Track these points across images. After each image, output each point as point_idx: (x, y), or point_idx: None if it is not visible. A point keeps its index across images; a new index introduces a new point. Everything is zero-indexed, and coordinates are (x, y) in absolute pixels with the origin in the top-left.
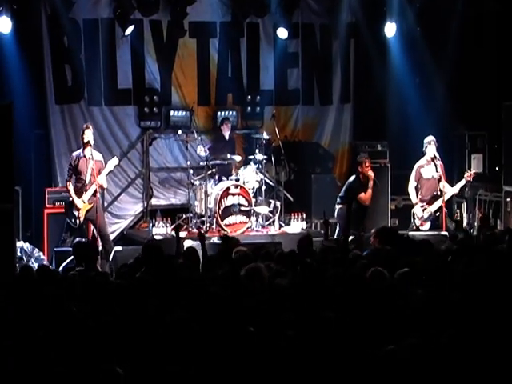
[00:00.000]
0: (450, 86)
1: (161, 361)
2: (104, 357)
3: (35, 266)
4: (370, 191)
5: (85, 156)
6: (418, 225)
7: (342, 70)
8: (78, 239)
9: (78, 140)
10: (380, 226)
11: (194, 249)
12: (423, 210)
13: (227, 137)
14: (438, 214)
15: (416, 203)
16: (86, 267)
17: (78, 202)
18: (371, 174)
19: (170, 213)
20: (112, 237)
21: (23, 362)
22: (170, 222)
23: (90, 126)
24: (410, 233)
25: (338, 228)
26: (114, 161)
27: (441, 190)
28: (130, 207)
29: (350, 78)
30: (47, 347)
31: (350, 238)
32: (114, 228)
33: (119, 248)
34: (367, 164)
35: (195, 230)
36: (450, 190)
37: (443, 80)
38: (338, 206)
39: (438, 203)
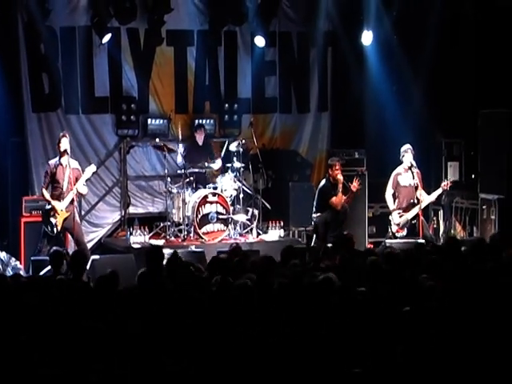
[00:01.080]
0: (427, 93)
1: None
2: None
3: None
4: (340, 195)
5: (61, 164)
6: (394, 231)
7: (320, 78)
8: (54, 248)
9: (55, 148)
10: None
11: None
12: (400, 217)
13: (201, 143)
14: (414, 221)
15: (393, 210)
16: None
17: (56, 204)
18: (340, 177)
19: (148, 221)
20: (89, 245)
21: (6, 366)
22: (147, 230)
23: (67, 135)
24: (387, 240)
25: (314, 236)
26: (92, 168)
27: (417, 198)
28: (108, 215)
29: (328, 85)
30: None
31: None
32: (92, 236)
33: (97, 257)
34: (337, 167)
35: (173, 238)
36: (426, 198)
37: (420, 88)
38: (314, 215)
39: (415, 211)
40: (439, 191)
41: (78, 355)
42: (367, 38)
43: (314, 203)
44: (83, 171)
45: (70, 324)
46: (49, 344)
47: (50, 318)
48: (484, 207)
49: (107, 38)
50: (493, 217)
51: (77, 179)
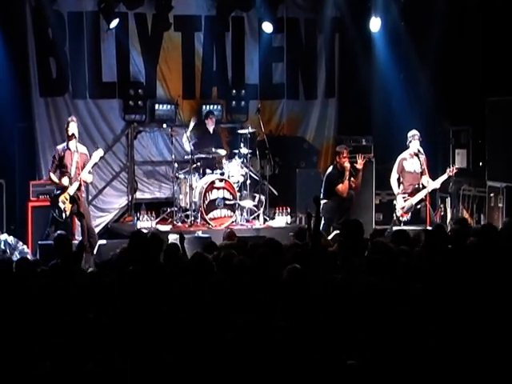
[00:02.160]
0: (434, 80)
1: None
2: (86, 352)
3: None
4: (346, 183)
5: (69, 149)
6: (398, 215)
7: (327, 64)
8: (59, 232)
9: (63, 133)
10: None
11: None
12: (405, 201)
13: (211, 131)
14: (419, 206)
15: (398, 194)
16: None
17: (65, 181)
18: (347, 165)
19: (155, 206)
20: (96, 230)
21: (7, 356)
22: (154, 215)
23: (75, 119)
24: (394, 227)
25: (322, 222)
26: (99, 152)
27: (423, 184)
28: (115, 201)
29: (335, 72)
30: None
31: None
32: (99, 221)
33: (103, 241)
34: (344, 155)
35: (180, 224)
36: (432, 184)
37: (427, 75)
38: (322, 201)
39: (420, 195)
40: (444, 177)
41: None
42: (375, 24)
43: (322, 190)
44: (91, 156)
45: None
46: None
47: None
48: (491, 195)
49: (115, 23)
50: (500, 204)
51: (84, 164)
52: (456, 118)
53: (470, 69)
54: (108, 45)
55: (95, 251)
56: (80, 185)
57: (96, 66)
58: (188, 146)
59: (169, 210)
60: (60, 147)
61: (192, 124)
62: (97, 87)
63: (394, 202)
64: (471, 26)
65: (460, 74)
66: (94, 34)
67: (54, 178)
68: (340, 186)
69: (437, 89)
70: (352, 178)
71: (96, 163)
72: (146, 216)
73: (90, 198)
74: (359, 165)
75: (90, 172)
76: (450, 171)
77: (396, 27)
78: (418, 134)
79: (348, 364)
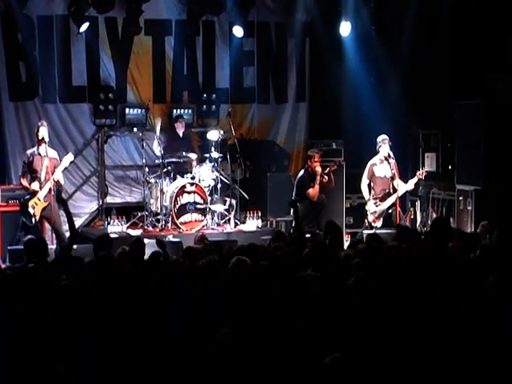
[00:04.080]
0: (404, 84)
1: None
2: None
3: None
4: (317, 187)
5: (39, 154)
6: (370, 221)
7: (298, 68)
8: (29, 236)
9: (33, 137)
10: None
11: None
12: (376, 206)
13: (181, 134)
14: (390, 211)
15: (369, 200)
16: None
17: (34, 186)
18: (319, 169)
19: (126, 211)
20: (67, 235)
21: None
22: (125, 220)
23: (45, 123)
24: (364, 231)
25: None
26: (70, 157)
27: (394, 188)
28: (85, 205)
29: (306, 76)
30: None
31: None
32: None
33: (74, 246)
34: (316, 159)
35: (151, 228)
36: (402, 188)
37: (398, 79)
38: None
39: (391, 200)
40: (414, 180)
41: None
42: (345, 29)
43: (293, 193)
44: (61, 161)
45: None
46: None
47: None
48: (461, 198)
49: (85, 26)
50: (469, 208)
51: (54, 169)
52: (426, 121)
53: (440, 73)
54: (78, 49)
55: None
56: (50, 189)
57: (66, 70)
58: (158, 151)
59: (139, 214)
60: (30, 152)
61: (158, 124)
62: (67, 91)
63: (366, 207)
64: (441, 30)
65: (430, 77)
66: (63, 37)
67: (25, 183)
68: (311, 190)
69: (407, 93)
70: (323, 179)
71: (66, 168)
72: (116, 220)
73: None
74: (331, 167)
75: (60, 177)
76: (420, 174)
77: (366, 31)
78: (388, 138)
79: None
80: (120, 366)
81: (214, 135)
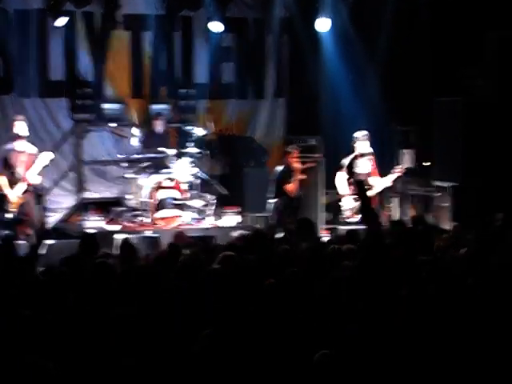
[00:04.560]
0: (382, 81)
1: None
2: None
3: None
4: (295, 182)
5: (16, 149)
6: (348, 215)
7: (276, 64)
8: (6, 232)
9: (9, 132)
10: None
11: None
12: (354, 202)
13: (159, 131)
14: None
15: (346, 195)
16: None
17: (10, 194)
18: (297, 165)
19: (103, 206)
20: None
21: None
22: (102, 215)
23: (23, 118)
24: (341, 227)
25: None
26: (49, 155)
27: (371, 185)
28: (63, 200)
29: (284, 72)
30: None
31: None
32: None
33: (52, 241)
34: (294, 155)
35: (128, 224)
36: (379, 184)
37: (376, 75)
38: (270, 200)
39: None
40: (392, 176)
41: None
42: (323, 25)
43: (272, 189)
44: (39, 156)
45: None
46: None
47: None
48: (438, 194)
49: (62, 21)
50: (447, 204)
51: (32, 165)
52: (404, 117)
53: (418, 69)
54: (55, 43)
55: (44, 251)
56: (28, 185)
57: (43, 64)
58: (137, 145)
59: (117, 209)
60: (6, 147)
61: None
62: (44, 86)
63: (341, 203)
64: (419, 26)
65: (408, 74)
66: (41, 32)
67: (4, 182)
68: (289, 186)
69: (385, 89)
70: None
71: (46, 165)
72: (94, 216)
73: None
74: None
75: (38, 174)
76: (398, 171)
77: (345, 27)
78: (367, 134)
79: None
80: (115, 365)
81: (199, 131)
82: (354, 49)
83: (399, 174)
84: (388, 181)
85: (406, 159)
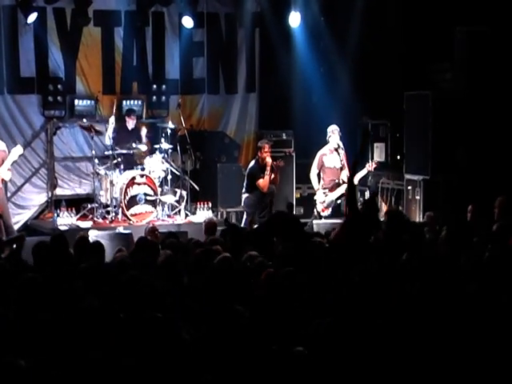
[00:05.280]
0: (353, 75)
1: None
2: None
3: None
4: (267, 177)
5: None
6: (319, 210)
7: (248, 59)
8: None
9: None
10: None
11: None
12: (325, 196)
13: (131, 128)
14: (339, 201)
15: (318, 189)
16: None
17: None
18: (269, 160)
19: (75, 203)
20: (15, 228)
21: None
22: (74, 211)
23: None
24: (314, 221)
25: (245, 216)
26: (18, 150)
27: (343, 179)
28: (34, 197)
29: (255, 67)
30: None
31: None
32: (18, 219)
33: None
34: (266, 150)
35: (101, 220)
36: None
37: (347, 69)
38: (243, 195)
39: (340, 191)
40: (364, 172)
41: None
42: (295, 19)
43: (244, 184)
44: (9, 153)
45: None
46: None
47: None
48: (409, 188)
49: (33, 17)
50: (417, 197)
51: (3, 161)
52: (375, 112)
53: (389, 63)
54: (26, 39)
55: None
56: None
57: (14, 60)
58: (109, 141)
59: (89, 206)
60: None
61: (112, 120)
62: (15, 82)
63: (315, 197)
64: (390, 20)
65: (379, 68)
66: (11, 28)
67: None
68: (261, 181)
69: (356, 83)
70: (272, 173)
71: (15, 161)
72: (66, 212)
73: (8, 195)
74: (278, 163)
75: (8, 169)
76: (370, 166)
77: (316, 22)
78: (338, 128)
79: (296, 351)
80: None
81: (171, 127)
82: (325, 43)
83: (370, 169)
84: (359, 176)
85: (377, 153)
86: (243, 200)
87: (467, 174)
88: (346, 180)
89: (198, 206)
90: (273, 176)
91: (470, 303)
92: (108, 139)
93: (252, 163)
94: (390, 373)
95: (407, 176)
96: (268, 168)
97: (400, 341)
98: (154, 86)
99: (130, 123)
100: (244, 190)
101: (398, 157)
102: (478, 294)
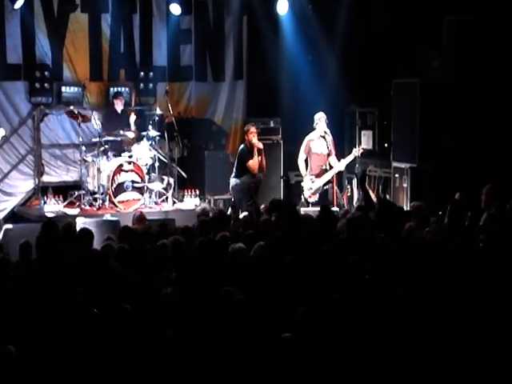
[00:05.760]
0: (341, 62)
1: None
2: None
3: None
4: (256, 158)
5: None
6: (306, 196)
7: (235, 46)
8: None
9: None
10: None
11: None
12: (312, 182)
13: (119, 111)
14: (326, 187)
15: (305, 175)
16: None
17: None
18: (255, 141)
19: (62, 190)
20: (2, 215)
21: None
22: (62, 199)
23: None
24: (301, 208)
25: (232, 201)
26: (1, 132)
27: (330, 165)
28: (21, 184)
29: (243, 54)
30: None
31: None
32: (4, 206)
33: (10, 226)
34: (251, 131)
35: (88, 207)
36: (338, 165)
37: (335, 57)
38: (232, 180)
39: (327, 177)
40: (351, 157)
41: None
42: (282, 6)
43: (234, 168)
44: None
45: None
46: None
47: None
48: (396, 175)
49: (19, 3)
50: (405, 185)
51: None
52: (362, 99)
53: (377, 51)
54: (13, 26)
55: (1, 236)
56: None
57: (0, 47)
58: (97, 127)
59: (76, 193)
60: None
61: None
62: (1, 69)
63: (302, 183)
64: (379, 8)
65: (367, 56)
66: None
67: None
68: (250, 162)
69: (344, 70)
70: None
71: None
72: (53, 200)
73: None
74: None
75: None
76: (356, 151)
77: (303, 9)
78: (325, 116)
79: (283, 337)
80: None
81: (158, 113)
82: (312, 31)
83: (357, 154)
84: (346, 162)
85: (365, 140)
86: (231, 185)
87: (454, 162)
88: (333, 165)
89: (186, 193)
90: (260, 159)
91: (465, 293)
92: (96, 126)
93: (241, 147)
94: (382, 359)
95: (395, 164)
96: (255, 149)
97: (394, 329)
98: (142, 73)
99: (119, 104)
100: (233, 174)
101: (386, 145)
102: (477, 286)
